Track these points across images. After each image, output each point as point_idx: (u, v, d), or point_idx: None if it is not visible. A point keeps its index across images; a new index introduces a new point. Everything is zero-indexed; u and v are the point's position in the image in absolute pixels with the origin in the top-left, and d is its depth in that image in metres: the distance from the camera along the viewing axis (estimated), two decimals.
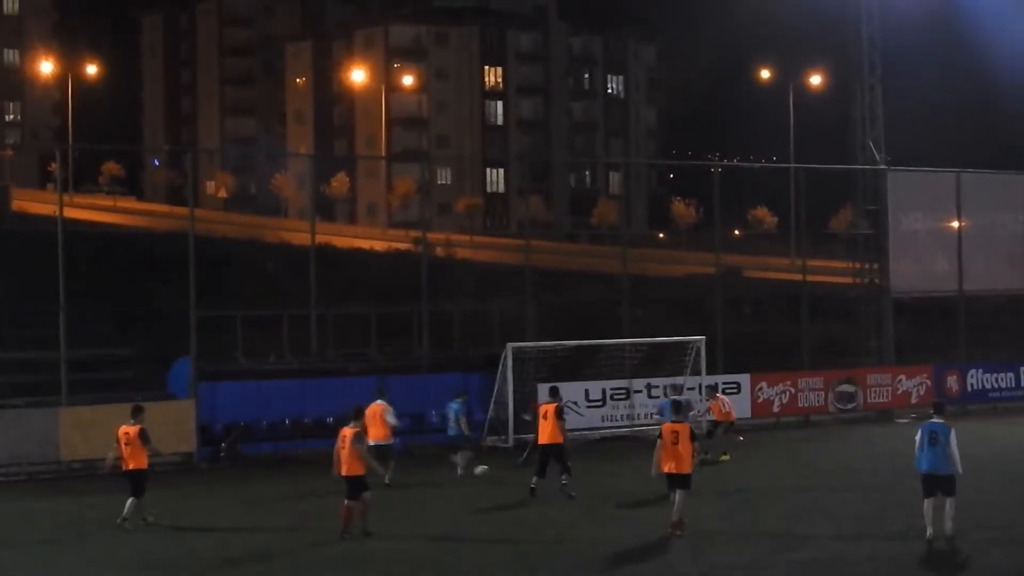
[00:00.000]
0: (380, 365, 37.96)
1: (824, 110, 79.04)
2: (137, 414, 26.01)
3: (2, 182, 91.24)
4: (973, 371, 45.80)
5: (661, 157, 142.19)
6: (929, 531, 22.19)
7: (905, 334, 47.03)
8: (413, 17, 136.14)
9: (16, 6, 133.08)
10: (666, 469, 23.71)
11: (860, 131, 45.82)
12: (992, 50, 63.37)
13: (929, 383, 44.59)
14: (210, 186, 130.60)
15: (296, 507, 28.26)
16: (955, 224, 46.95)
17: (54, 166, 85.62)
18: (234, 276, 52.91)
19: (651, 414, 36.26)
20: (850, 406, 43.60)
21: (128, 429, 25.79)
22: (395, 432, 31.16)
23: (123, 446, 25.73)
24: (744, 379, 41.49)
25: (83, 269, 46.80)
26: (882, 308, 45.79)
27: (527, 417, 35.74)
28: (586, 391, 39.09)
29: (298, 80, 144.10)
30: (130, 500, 25.54)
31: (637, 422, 39.33)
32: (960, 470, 22.27)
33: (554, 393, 29.96)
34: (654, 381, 39.59)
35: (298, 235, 57.96)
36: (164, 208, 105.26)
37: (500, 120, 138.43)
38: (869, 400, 43.96)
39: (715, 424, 34.90)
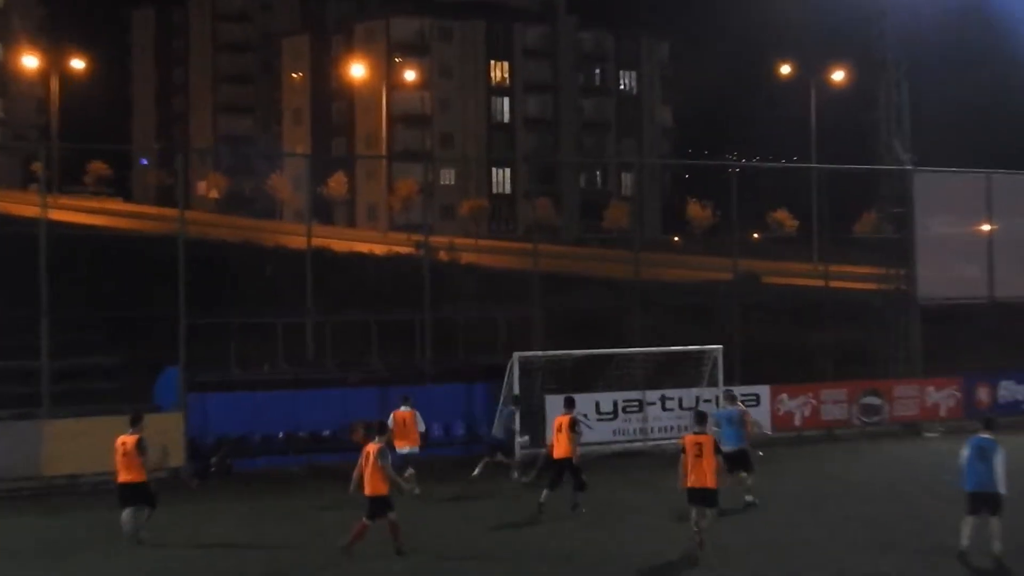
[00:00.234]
0: (380, 375, 37.87)
1: (847, 108, 78.84)
2: (136, 423, 25.97)
3: None
4: (1005, 382, 45.60)
5: (675, 157, 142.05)
6: (964, 543, 22.16)
7: (932, 343, 46.81)
8: (415, 10, 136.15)
9: None
10: (688, 483, 23.59)
11: (885, 130, 45.72)
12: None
13: (958, 395, 44.45)
14: (202, 187, 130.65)
15: (291, 525, 28.16)
16: (985, 227, 46.83)
17: (38, 166, 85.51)
18: (227, 281, 52.73)
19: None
20: (875, 419, 43.44)
21: (126, 439, 25.70)
22: (423, 438, 31.78)
23: (119, 456, 25.59)
24: (763, 391, 41.33)
25: (68, 274, 46.67)
26: (908, 316, 45.66)
27: (521, 440, 35.56)
28: (596, 403, 38.90)
29: (295, 76, 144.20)
30: (125, 512, 25.41)
31: (651, 436, 39.17)
32: (1004, 490, 22.13)
33: (570, 404, 29.83)
34: (668, 393, 39.47)
35: (294, 238, 57.93)
36: (153, 210, 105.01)
37: (506, 118, 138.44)
38: (895, 413, 43.80)
39: None
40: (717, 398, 38.00)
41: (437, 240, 66.12)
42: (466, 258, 74.31)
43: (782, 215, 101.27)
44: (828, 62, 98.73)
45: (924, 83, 50.80)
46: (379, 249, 77.50)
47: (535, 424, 37.09)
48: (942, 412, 44.16)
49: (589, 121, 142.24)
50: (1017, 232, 47.28)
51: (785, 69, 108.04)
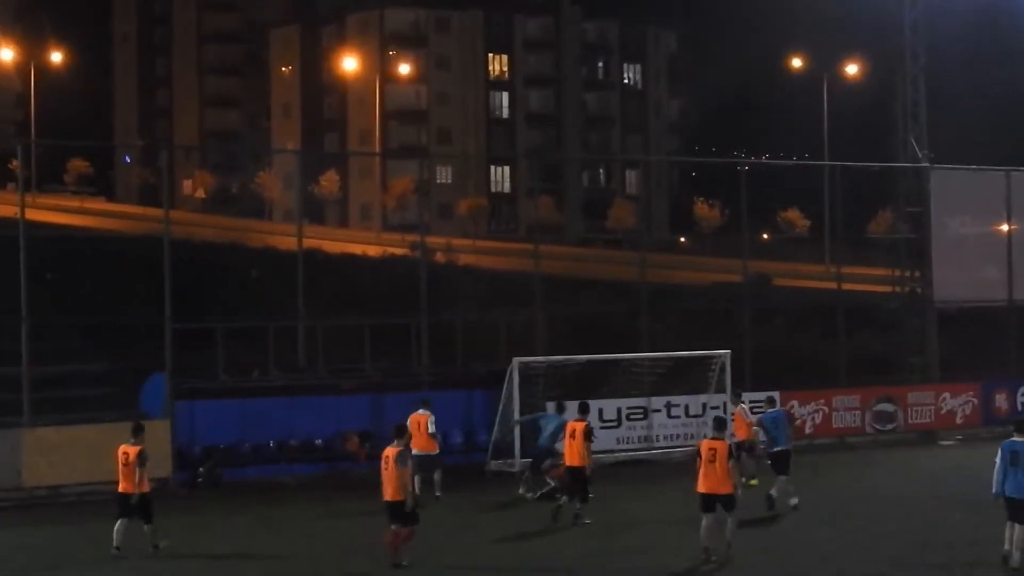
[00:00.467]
0: (375, 382, 38.05)
1: (862, 103, 79.11)
2: (138, 433, 26.36)
3: None
4: None
5: (683, 154, 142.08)
6: (1008, 547, 22.45)
7: (949, 348, 47.00)
8: (411, 0, 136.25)
9: None
10: (700, 489, 23.96)
11: (901, 126, 45.86)
12: None
13: (976, 401, 44.67)
14: (188, 185, 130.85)
15: (283, 536, 28.36)
16: (1005, 227, 46.97)
17: (15, 164, 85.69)
18: (214, 284, 52.95)
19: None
20: (889, 427, 43.64)
21: (128, 449, 26.09)
22: (437, 441, 32.32)
23: (121, 467, 26.02)
24: (774, 397, 41.33)
25: (48, 277, 46.94)
26: (925, 319, 45.83)
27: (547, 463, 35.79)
28: (600, 410, 39.05)
29: (284, 69, 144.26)
30: (119, 523, 25.79)
31: (656, 444, 39.42)
32: None
33: (584, 410, 30.17)
34: (674, 399, 39.70)
35: (284, 239, 58.07)
36: (137, 209, 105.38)
37: (506, 113, 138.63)
38: (910, 420, 43.99)
39: (738, 445, 34.78)
40: (724, 403, 38.25)
41: (434, 241, 66.28)
42: (464, 259, 74.50)
43: (794, 215, 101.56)
44: (843, 55, 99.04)
45: (942, 77, 51.02)
46: (373, 250, 77.71)
47: (536, 433, 37.38)
48: (959, 419, 44.37)
49: (593, 116, 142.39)
50: None
51: (798, 62, 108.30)
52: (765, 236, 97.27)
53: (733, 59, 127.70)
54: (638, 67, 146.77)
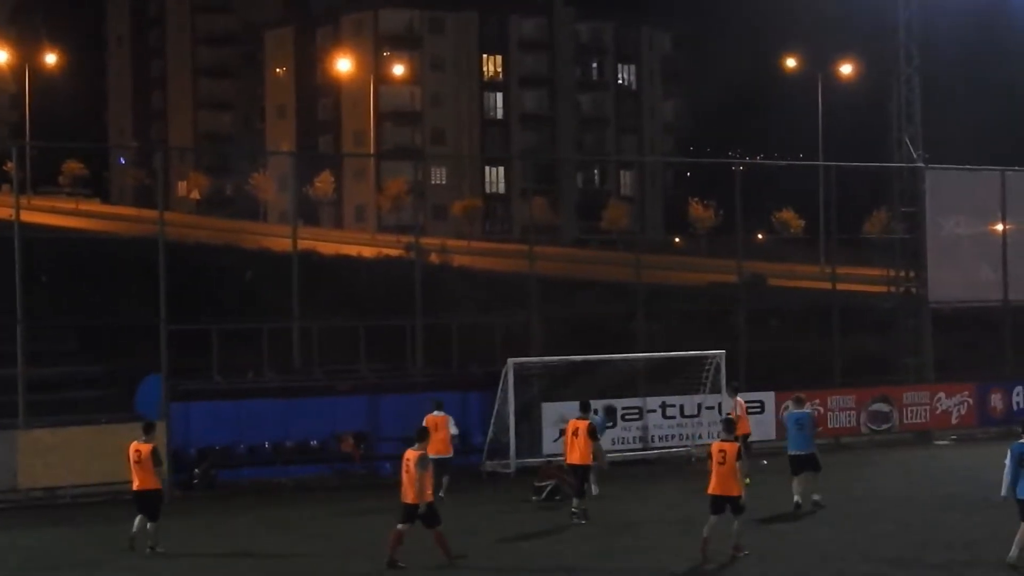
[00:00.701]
0: (370, 383, 38.06)
1: (856, 103, 79.31)
2: (149, 431, 26.58)
3: None
4: (1020, 388, 45.76)
5: (678, 155, 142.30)
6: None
7: (945, 348, 47.04)
8: (405, 1, 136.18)
9: None
10: (709, 491, 24.21)
11: (896, 126, 45.89)
12: None
13: (971, 402, 44.68)
14: (182, 187, 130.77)
15: (280, 537, 28.38)
16: (999, 228, 46.99)
17: (10, 165, 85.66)
18: (209, 286, 52.99)
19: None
20: (884, 427, 43.67)
21: (139, 447, 26.24)
22: (453, 443, 32.73)
23: (133, 464, 26.16)
24: (768, 397, 41.47)
25: (43, 278, 46.95)
26: (920, 319, 45.82)
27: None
28: (595, 410, 39.00)
29: (279, 71, 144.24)
30: (138, 519, 26.04)
31: (651, 445, 39.44)
32: None
33: (585, 408, 30.20)
34: (669, 399, 39.73)
35: (279, 240, 58.18)
36: (131, 211, 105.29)
37: (500, 114, 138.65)
38: (905, 420, 44.01)
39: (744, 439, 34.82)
40: (719, 403, 38.24)
41: (428, 242, 66.37)
42: (459, 260, 74.58)
43: (788, 215, 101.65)
44: (837, 55, 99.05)
45: (937, 78, 51.02)
46: (368, 251, 77.75)
47: (533, 433, 37.46)
48: (954, 419, 44.39)
49: (587, 117, 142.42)
50: None
51: (792, 62, 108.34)
52: (760, 236, 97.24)
53: (727, 60, 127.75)
54: (632, 68, 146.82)
